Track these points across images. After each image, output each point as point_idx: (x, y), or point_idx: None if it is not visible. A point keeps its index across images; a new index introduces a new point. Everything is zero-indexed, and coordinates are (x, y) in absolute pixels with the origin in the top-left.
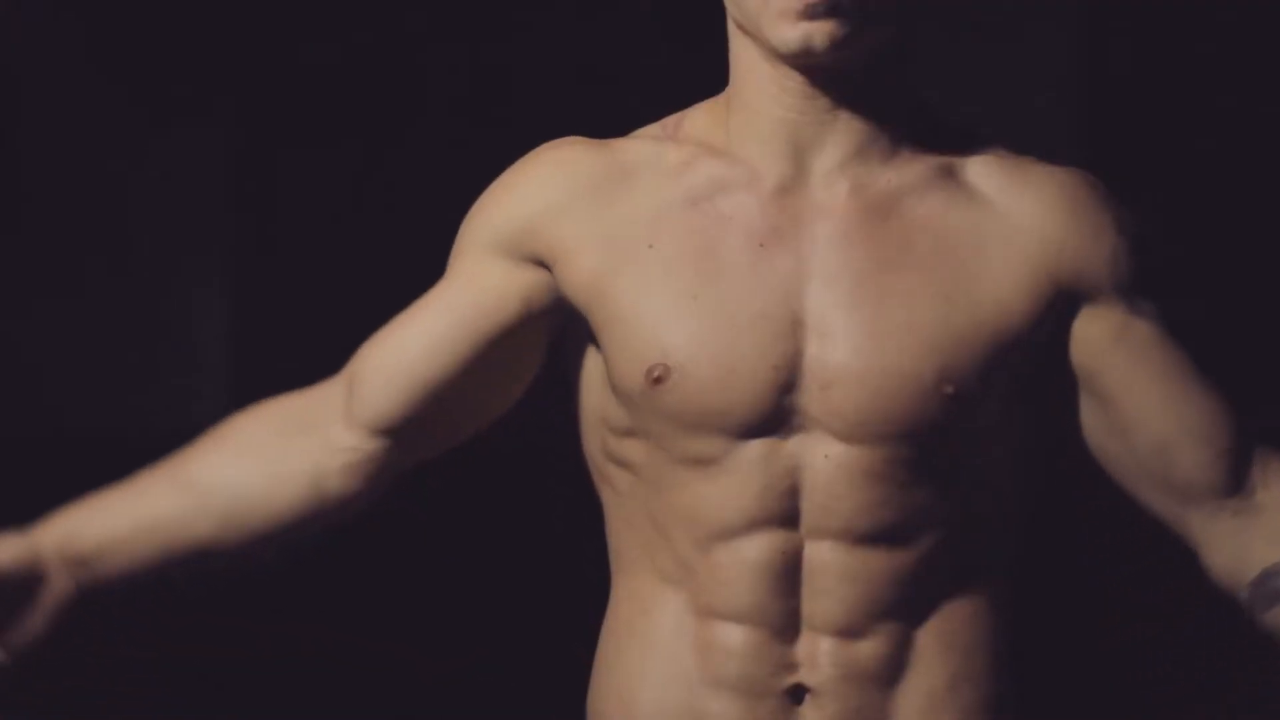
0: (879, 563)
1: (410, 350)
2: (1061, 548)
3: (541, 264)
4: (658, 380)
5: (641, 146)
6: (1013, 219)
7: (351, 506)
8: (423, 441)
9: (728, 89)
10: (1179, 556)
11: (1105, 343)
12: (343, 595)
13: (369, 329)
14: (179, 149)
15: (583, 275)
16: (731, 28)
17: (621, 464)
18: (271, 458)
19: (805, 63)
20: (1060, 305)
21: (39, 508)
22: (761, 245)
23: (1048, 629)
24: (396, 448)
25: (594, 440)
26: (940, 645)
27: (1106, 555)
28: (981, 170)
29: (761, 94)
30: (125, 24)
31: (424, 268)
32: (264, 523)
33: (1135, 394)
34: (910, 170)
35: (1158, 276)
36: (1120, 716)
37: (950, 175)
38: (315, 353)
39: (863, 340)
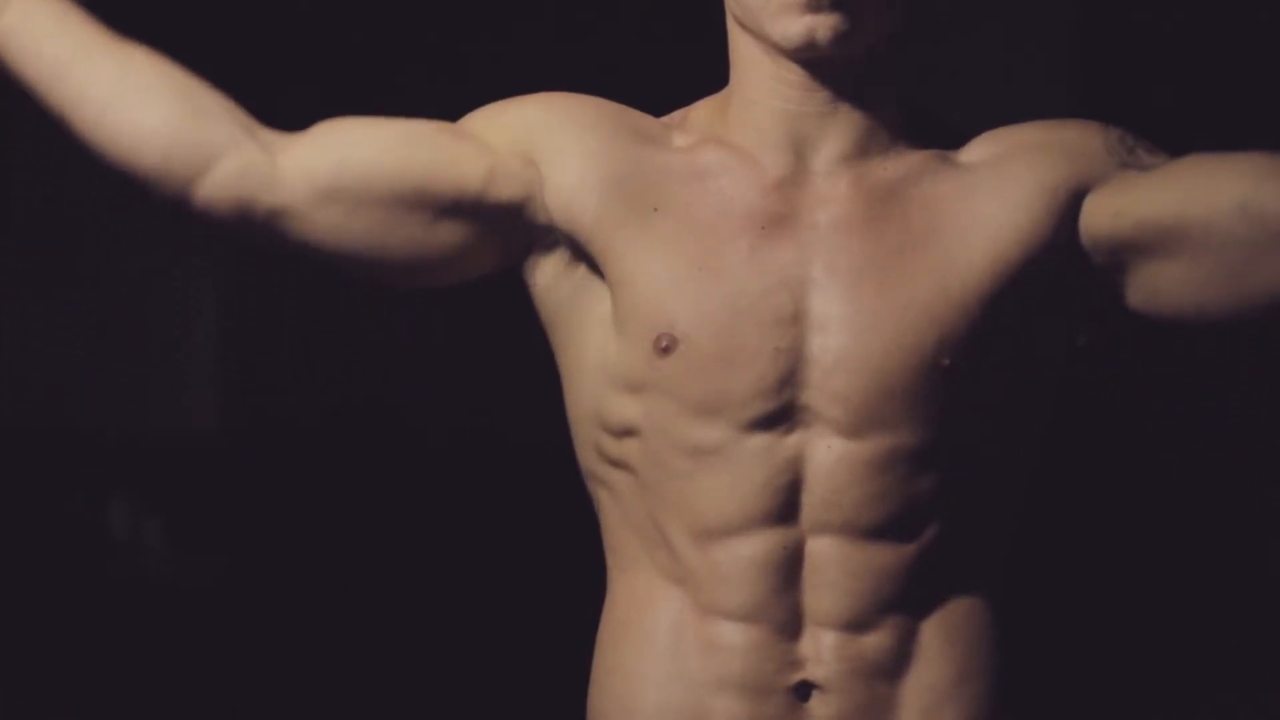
0: (882, 556)
1: (367, 136)
2: (1051, 542)
3: (532, 164)
4: (665, 350)
5: (653, 122)
6: (1002, 164)
7: (212, 206)
8: (314, 223)
9: (728, 85)
10: (1168, 556)
11: (1138, 195)
12: (338, 599)
13: (361, 327)
14: None
15: (587, 215)
16: (730, 23)
17: (618, 465)
18: (201, 108)
19: (808, 56)
20: (1068, 211)
21: (33, 505)
22: (763, 229)
23: (1042, 623)
24: (290, 197)
25: (587, 443)
26: (944, 639)
27: (1097, 551)
28: (973, 149)
29: (762, 88)
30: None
31: None
32: (146, 133)
33: (1193, 196)
34: (907, 160)
35: (1154, 146)
36: (1118, 713)
37: (944, 160)
38: (307, 351)
39: (863, 325)
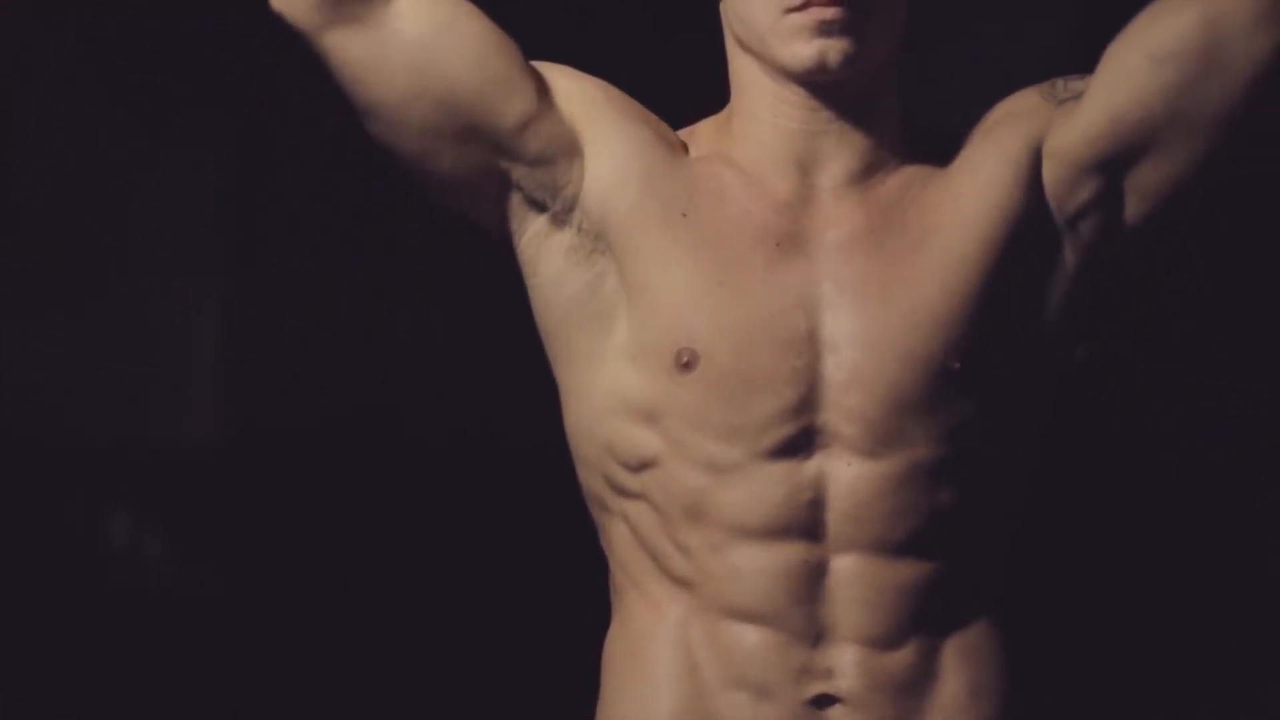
0: (907, 571)
1: (477, 21)
2: (1050, 544)
3: (575, 132)
4: (686, 365)
5: (674, 134)
6: (970, 154)
7: None
8: (379, 54)
9: (729, 105)
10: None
11: (1087, 112)
12: (339, 608)
13: (359, 340)
14: (172, 160)
15: (624, 205)
16: (731, 45)
17: (633, 496)
18: None
19: (818, 79)
20: (1034, 174)
21: (33, 515)
22: (778, 245)
23: (1041, 626)
24: (384, 17)
25: (593, 470)
26: (962, 655)
27: (1095, 552)
28: (957, 152)
29: (765, 108)
30: (118, 40)
31: (416, 278)
32: None
33: (1117, 81)
34: (906, 172)
35: (1082, 74)
36: (1118, 712)
37: (935, 166)
38: (306, 362)
39: (874, 339)
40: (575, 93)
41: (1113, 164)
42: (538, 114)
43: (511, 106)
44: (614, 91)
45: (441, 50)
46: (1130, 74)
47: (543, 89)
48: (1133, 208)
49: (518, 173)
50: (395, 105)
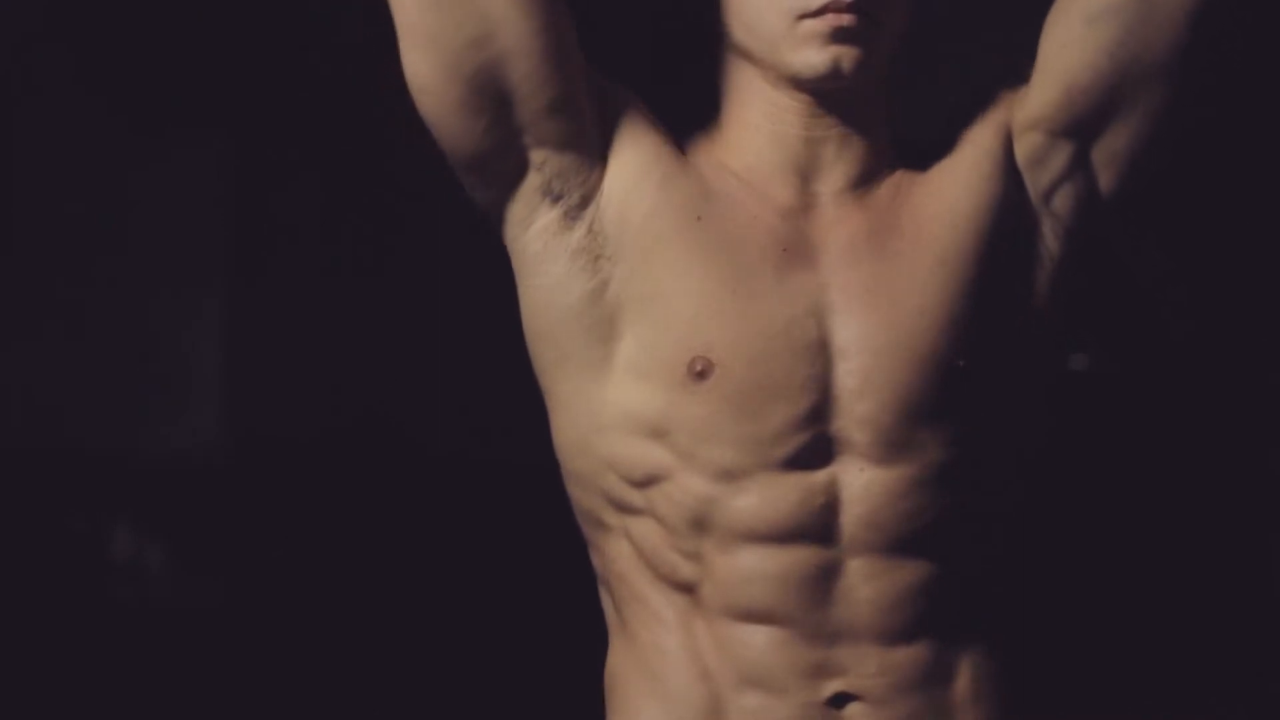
0: (919, 572)
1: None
2: (1048, 545)
3: (605, 128)
4: (700, 374)
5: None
6: (955, 153)
7: None
8: None
9: (721, 115)
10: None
11: (1046, 84)
12: (339, 617)
13: (361, 351)
14: (174, 168)
15: (641, 208)
16: (726, 54)
17: (637, 512)
18: None
19: (829, 86)
20: (1007, 156)
21: (36, 522)
22: (785, 251)
23: (1039, 627)
24: None
25: (590, 488)
26: (972, 651)
27: (1094, 554)
28: (942, 152)
29: (764, 115)
30: (121, 47)
31: (417, 286)
32: None
33: (1061, 45)
34: (897, 177)
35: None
36: (1117, 713)
37: (924, 170)
38: (308, 373)
39: (882, 343)
40: (610, 92)
41: (1076, 130)
42: (575, 100)
43: (555, 83)
44: (637, 98)
45: (515, 7)
46: (1071, 40)
47: (585, 78)
48: (1104, 176)
49: (541, 155)
50: (455, 50)
